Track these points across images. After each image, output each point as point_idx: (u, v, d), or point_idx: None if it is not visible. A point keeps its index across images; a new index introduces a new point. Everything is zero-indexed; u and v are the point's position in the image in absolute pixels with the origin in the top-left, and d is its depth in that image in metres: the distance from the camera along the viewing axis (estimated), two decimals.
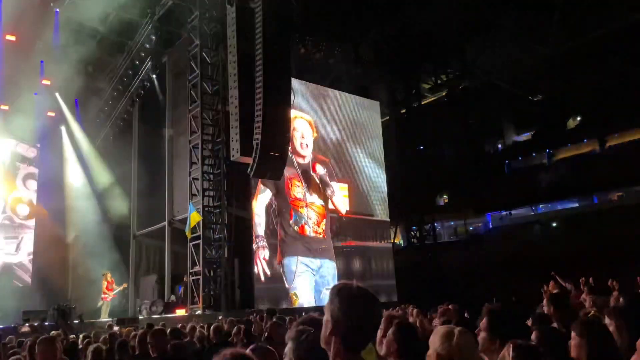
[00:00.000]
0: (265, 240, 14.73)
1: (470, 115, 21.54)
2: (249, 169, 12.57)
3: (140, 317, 14.15)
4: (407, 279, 18.15)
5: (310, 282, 15.16)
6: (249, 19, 12.82)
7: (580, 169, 20.90)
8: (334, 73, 18.63)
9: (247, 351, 2.10)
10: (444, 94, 22.44)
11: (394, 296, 17.14)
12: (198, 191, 14.73)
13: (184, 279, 15.53)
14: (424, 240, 20.50)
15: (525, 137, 24.89)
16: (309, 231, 15.65)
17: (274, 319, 5.75)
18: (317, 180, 16.06)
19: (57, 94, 18.30)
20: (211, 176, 14.93)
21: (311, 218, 15.78)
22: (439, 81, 22.04)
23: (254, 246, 14.57)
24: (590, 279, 7.40)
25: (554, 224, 20.87)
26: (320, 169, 16.08)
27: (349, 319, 1.78)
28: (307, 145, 16.33)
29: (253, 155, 12.40)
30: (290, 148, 15.65)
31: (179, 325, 7.89)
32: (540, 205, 23.07)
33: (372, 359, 3.07)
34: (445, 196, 25.59)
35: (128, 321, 11.90)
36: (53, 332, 7.95)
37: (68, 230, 19.19)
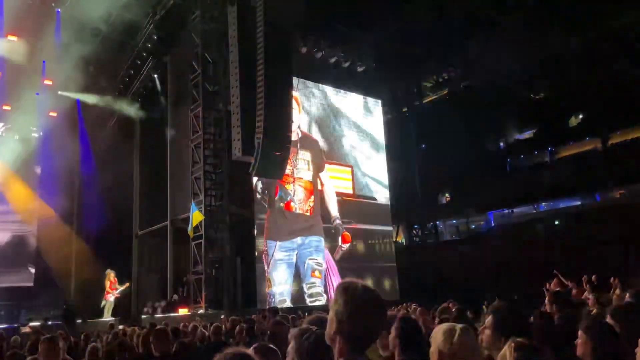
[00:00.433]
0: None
1: (472, 113, 21.47)
2: (251, 168, 12.59)
3: (143, 316, 14.18)
4: (409, 278, 18.16)
5: (286, 270, 15.07)
6: (251, 18, 12.83)
7: (582, 167, 20.87)
8: (335, 72, 18.62)
9: (250, 350, 2.11)
10: (445, 92, 22.42)
11: (395, 295, 17.18)
12: (200, 190, 14.74)
13: (183, 278, 15.59)
14: (426, 239, 20.50)
15: (527, 135, 24.87)
16: (295, 208, 15.59)
17: (277, 318, 5.76)
18: (306, 156, 16.03)
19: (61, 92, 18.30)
20: (213, 175, 14.95)
21: (297, 194, 15.70)
22: (440, 80, 22.02)
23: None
24: (593, 277, 7.41)
25: (556, 222, 20.83)
26: (309, 146, 16.16)
27: (354, 318, 1.78)
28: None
29: (254, 154, 12.42)
30: None
31: (181, 325, 7.89)
32: (542, 204, 23.02)
33: (375, 357, 3.08)
34: (447, 195, 25.58)
35: (131, 320, 11.93)
36: (60, 331, 7.98)
37: (71, 229, 19.25)
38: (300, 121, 16.46)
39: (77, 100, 19.20)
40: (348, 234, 16.62)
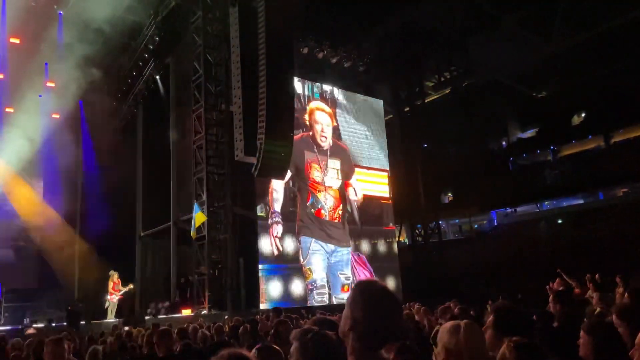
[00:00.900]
0: (280, 216, 15.02)
1: (474, 112, 21.47)
2: (253, 169, 12.61)
3: (147, 317, 14.21)
4: (413, 277, 18.15)
5: (324, 260, 15.51)
6: (252, 19, 12.85)
7: (585, 166, 20.85)
8: (337, 72, 18.62)
9: (252, 351, 2.12)
10: (447, 91, 22.39)
11: (398, 293, 17.19)
12: (203, 191, 14.75)
13: (181, 279, 15.63)
14: (428, 239, 20.48)
15: (529, 134, 24.85)
16: (325, 215, 15.94)
17: (281, 318, 5.77)
18: (336, 165, 16.29)
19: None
20: (216, 176, 14.95)
21: (327, 203, 16.02)
22: (442, 79, 22.00)
23: (269, 221, 14.84)
24: (596, 276, 7.39)
25: (559, 221, 20.80)
26: (338, 154, 16.51)
27: (370, 318, 1.79)
28: (326, 138, 16.64)
29: (257, 154, 12.44)
30: (310, 135, 16.06)
31: (185, 325, 7.91)
32: (546, 202, 22.98)
33: None
34: (449, 194, 25.56)
35: (134, 321, 11.95)
36: (65, 332, 8.00)
37: (74, 230, 19.31)
38: (332, 131, 16.90)
39: (79, 102, 19.26)
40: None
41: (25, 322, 13.29)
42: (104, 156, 20.06)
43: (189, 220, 14.78)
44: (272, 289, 14.62)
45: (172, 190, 17.12)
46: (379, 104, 19.75)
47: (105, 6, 15.70)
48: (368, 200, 17.79)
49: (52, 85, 18.02)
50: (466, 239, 23.08)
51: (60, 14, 16.58)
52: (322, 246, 15.58)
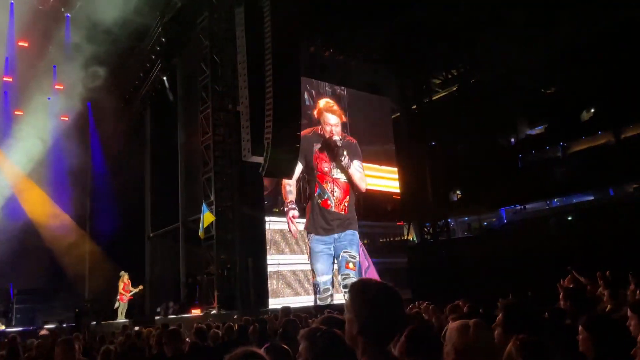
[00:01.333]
0: (295, 205, 15.02)
1: (482, 109, 21.30)
2: (261, 169, 12.62)
3: (157, 317, 14.28)
4: (421, 276, 18.07)
5: (327, 261, 15.31)
6: (258, 18, 12.85)
7: (595, 162, 20.62)
8: (343, 71, 18.58)
9: (261, 349, 2.11)
10: (455, 88, 22.27)
11: (407, 292, 17.17)
12: (211, 191, 14.79)
13: (189, 279, 15.69)
14: (437, 237, 20.40)
15: (538, 130, 24.61)
16: (331, 206, 15.86)
17: (290, 317, 5.77)
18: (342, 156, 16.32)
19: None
20: (223, 176, 14.99)
21: (334, 194, 15.95)
22: (449, 76, 21.87)
23: (285, 209, 14.85)
24: (607, 273, 7.31)
25: (569, 218, 20.62)
26: (347, 146, 16.36)
27: (374, 317, 1.79)
28: (336, 133, 16.55)
29: (264, 154, 12.44)
30: (320, 131, 15.98)
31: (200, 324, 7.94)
32: (555, 199, 22.79)
33: None
34: (458, 192, 25.41)
35: (144, 322, 12.01)
36: (76, 333, 8.07)
37: (84, 231, 19.45)
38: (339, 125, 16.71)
39: (88, 104, 19.40)
40: None
41: (36, 323, 13.41)
42: (112, 157, 20.22)
43: (198, 221, 14.83)
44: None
45: (181, 191, 17.18)
46: (386, 102, 19.70)
47: (112, 8, 15.79)
48: (378, 195, 17.81)
49: (61, 87, 18.18)
50: (475, 237, 22.94)
51: (68, 16, 16.70)
52: (325, 243, 15.41)
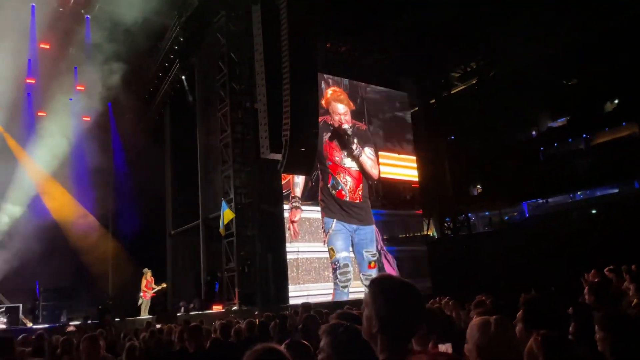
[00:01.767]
0: (300, 201, 15.12)
1: (502, 102, 21.02)
2: (279, 165, 12.64)
3: (179, 314, 14.46)
4: (442, 271, 17.96)
5: (346, 239, 15.62)
6: (275, 16, 12.86)
7: (620, 153, 20.20)
8: (360, 66, 18.50)
9: (282, 345, 2.12)
10: (474, 82, 22.02)
11: (427, 281, 17.19)
12: (230, 189, 14.90)
13: (208, 277, 15.81)
14: (458, 232, 20.24)
15: (560, 122, 24.19)
16: (346, 196, 16.00)
17: (311, 313, 5.79)
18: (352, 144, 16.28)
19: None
20: (242, 174, 15.09)
21: (347, 184, 16.05)
22: (468, 69, 21.63)
23: (289, 206, 14.94)
24: (633, 267, 7.17)
25: (593, 211, 20.25)
26: (357, 133, 16.41)
27: (393, 314, 1.78)
28: (346, 122, 16.55)
29: (282, 151, 12.47)
30: (329, 120, 16.15)
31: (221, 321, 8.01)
32: (579, 192, 22.42)
33: None
34: (478, 186, 25.15)
35: (167, 318, 12.17)
36: (100, 329, 8.20)
37: (107, 229, 19.77)
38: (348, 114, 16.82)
39: (109, 104, 19.67)
40: None
41: (62, 320, 13.67)
42: (133, 156, 20.49)
43: (218, 218, 14.96)
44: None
45: (200, 189, 17.34)
46: (403, 97, 19.58)
47: (131, 9, 15.98)
48: (397, 183, 17.79)
49: (82, 88, 18.46)
50: (496, 232, 22.68)
51: (88, 18, 16.93)
52: (344, 225, 15.66)
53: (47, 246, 18.06)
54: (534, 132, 24.97)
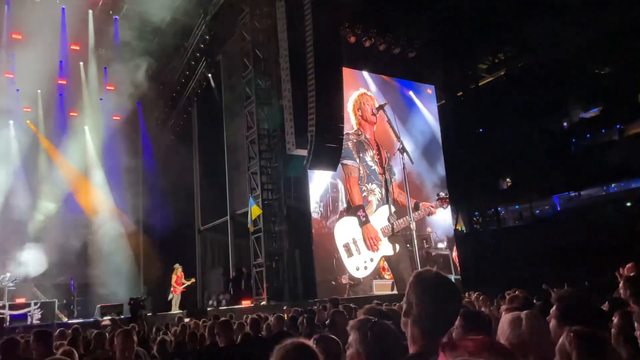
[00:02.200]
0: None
1: (531, 93, 20.58)
2: (305, 161, 12.67)
3: (209, 308, 14.66)
4: (471, 266, 17.74)
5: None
6: (299, 12, 12.85)
7: None
8: (385, 59, 18.34)
9: (310, 341, 2.13)
10: (502, 73, 21.61)
11: (456, 283, 16.91)
12: (257, 185, 15.02)
13: (233, 273, 15.97)
14: (487, 226, 19.95)
15: (593, 113, 23.56)
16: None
17: (339, 308, 5.79)
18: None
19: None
20: (269, 170, 15.18)
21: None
22: (496, 60, 21.22)
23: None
24: None
25: (628, 204, 19.69)
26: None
27: (427, 306, 1.79)
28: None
29: (308, 147, 12.48)
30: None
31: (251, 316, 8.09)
32: (612, 184, 21.83)
33: None
34: (508, 179, 24.73)
35: (197, 313, 12.35)
36: (132, 324, 8.38)
37: (138, 226, 20.16)
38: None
39: (137, 103, 20.03)
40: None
41: (95, 315, 14.00)
42: (162, 154, 20.84)
43: (245, 214, 15.10)
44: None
45: (228, 185, 17.51)
46: (430, 89, 19.35)
47: (157, 10, 16.22)
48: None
49: (112, 88, 18.85)
50: (527, 226, 22.28)
51: (116, 19, 17.25)
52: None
53: (80, 243, 18.55)
54: (565, 124, 24.38)
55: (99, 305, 14.63)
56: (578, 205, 21.83)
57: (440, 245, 17.53)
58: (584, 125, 23.40)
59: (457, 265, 17.53)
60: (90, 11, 16.93)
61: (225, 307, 14.34)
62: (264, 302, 13.82)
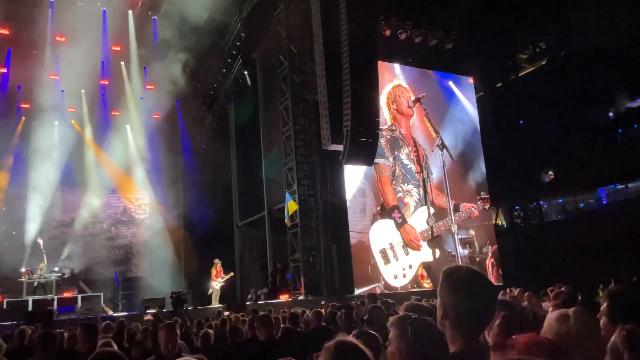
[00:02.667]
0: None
1: (575, 83, 19.88)
2: (341, 156, 12.63)
3: (248, 303, 14.86)
4: (512, 262, 17.34)
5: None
6: (334, 6, 12.80)
7: None
8: (422, 52, 18.07)
9: (350, 336, 2.12)
10: (543, 63, 20.94)
11: (498, 279, 16.53)
12: (293, 181, 15.09)
13: (270, 268, 16.08)
14: (529, 220, 19.45)
15: None
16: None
17: (377, 304, 5.76)
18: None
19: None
20: (305, 166, 15.22)
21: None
22: (537, 50, 20.58)
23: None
24: None
25: None
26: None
27: (461, 304, 1.74)
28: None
29: (344, 142, 12.45)
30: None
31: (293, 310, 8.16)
32: None
33: None
34: (550, 172, 24.00)
35: (236, 307, 12.53)
36: (175, 318, 8.61)
37: (179, 222, 20.63)
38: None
39: (176, 102, 20.45)
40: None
41: (139, 308, 14.42)
42: (200, 151, 21.23)
43: (282, 210, 15.21)
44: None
45: (265, 181, 17.67)
46: (468, 81, 18.97)
47: (195, 9, 16.49)
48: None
49: (152, 87, 19.30)
50: (571, 220, 21.58)
51: (155, 19, 17.62)
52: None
53: (124, 238, 19.12)
54: (610, 114, 23.47)
55: (142, 299, 15.05)
56: (625, 198, 21.00)
57: (484, 249, 16.71)
58: (630, 115, 22.47)
59: (493, 268, 16.76)
60: (130, 11, 17.32)
61: (263, 302, 14.51)
62: (301, 297, 13.91)
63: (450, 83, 18.31)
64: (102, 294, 15.55)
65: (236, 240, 20.09)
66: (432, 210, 15.18)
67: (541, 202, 20.70)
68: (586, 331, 2.10)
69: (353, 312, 6.94)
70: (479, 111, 18.71)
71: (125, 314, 13.66)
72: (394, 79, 16.77)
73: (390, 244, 14.42)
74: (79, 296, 15.00)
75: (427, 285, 14.48)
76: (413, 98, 16.29)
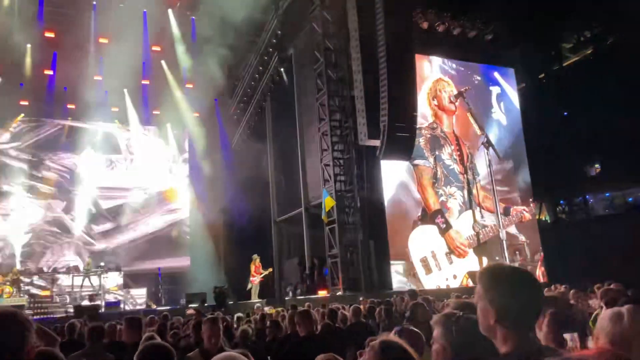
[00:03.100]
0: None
1: (622, 72, 19.04)
2: (378, 152, 12.57)
3: (286, 298, 14.97)
4: (556, 258, 16.83)
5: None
6: (370, 1, 12.70)
7: None
8: (460, 44, 17.68)
9: (392, 333, 2.10)
10: (589, 52, 20.16)
11: (541, 276, 16.10)
12: (330, 177, 15.08)
13: (307, 264, 16.13)
14: (574, 216, 18.82)
15: None
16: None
17: (418, 300, 5.70)
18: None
19: None
20: (341, 161, 15.18)
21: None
22: (582, 38, 19.84)
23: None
24: None
25: None
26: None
27: (511, 302, 1.69)
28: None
29: (381, 137, 12.35)
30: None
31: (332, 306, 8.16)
32: None
33: None
34: (597, 165, 23.13)
35: (275, 302, 12.65)
36: (217, 312, 8.77)
37: (219, 218, 20.98)
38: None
39: (215, 100, 20.77)
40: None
41: (181, 303, 14.75)
42: (239, 148, 21.50)
43: (319, 205, 15.22)
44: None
45: (302, 177, 17.73)
46: (510, 73, 18.48)
47: (232, 7, 16.65)
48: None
49: (191, 86, 19.66)
50: (619, 215, 20.75)
51: (193, 19, 17.92)
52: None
53: (166, 234, 19.60)
54: None
55: (184, 294, 15.38)
56: None
57: (536, 257, 15.79)
58: None
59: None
60: (170, 10, 17.66)
61: (302, 297, 14.59)
62: (340, 292, 13.91)
63: (496, 74, 17.83)
64: (145, 289, 15.97)
65: (274, 236, 20.24)
66: (478, 215, 14.28)
67: (587, 197, 20.00)
68: None
69: (393, 308, 6.89)
70: (521, 103, 18.23)
71: (168, 308, 13.99)
72: (434, 73, 16.47)
73: (432, 252, 13.66)
74: (124, 291, 15.48)
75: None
76: (455, 92, 15.88)
